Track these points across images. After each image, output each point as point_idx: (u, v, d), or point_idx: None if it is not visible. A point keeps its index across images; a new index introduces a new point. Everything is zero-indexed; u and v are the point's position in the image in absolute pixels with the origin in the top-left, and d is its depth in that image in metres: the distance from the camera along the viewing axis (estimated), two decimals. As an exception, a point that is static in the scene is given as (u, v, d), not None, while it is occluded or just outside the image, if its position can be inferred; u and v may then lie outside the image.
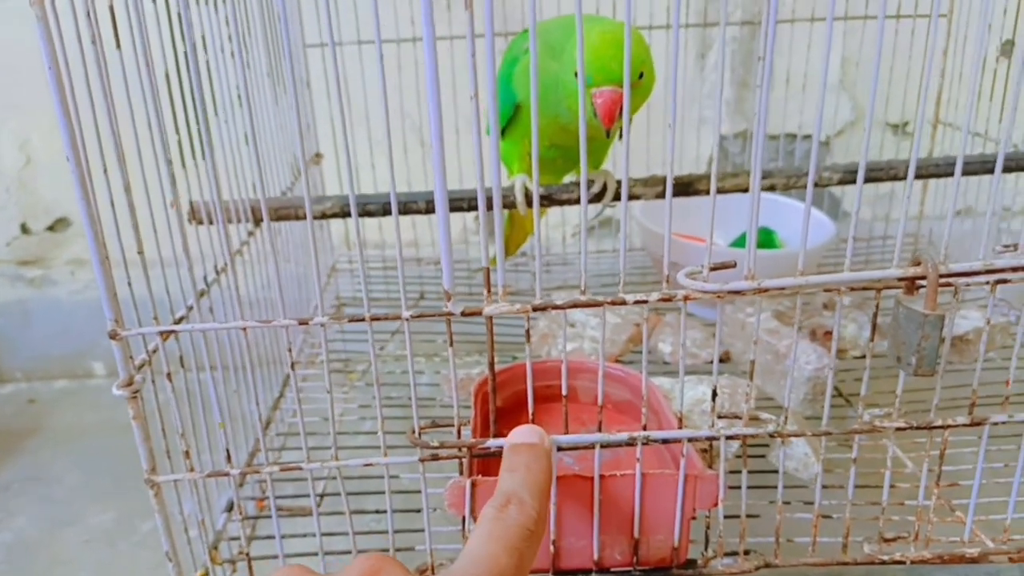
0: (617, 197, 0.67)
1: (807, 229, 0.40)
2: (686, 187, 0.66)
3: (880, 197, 1.08)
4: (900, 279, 0.40)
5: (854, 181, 0.72)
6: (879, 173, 0.69)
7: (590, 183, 0.67)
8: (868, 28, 0.97)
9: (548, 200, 0.68)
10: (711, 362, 0.80)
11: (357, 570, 0.30)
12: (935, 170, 0.63)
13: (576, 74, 0.54)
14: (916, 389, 0.55)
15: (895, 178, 0.68)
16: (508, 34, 0.93)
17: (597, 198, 0.68)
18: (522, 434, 0.40)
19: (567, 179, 0.74)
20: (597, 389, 0.64)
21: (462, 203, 0.64)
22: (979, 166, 0.61)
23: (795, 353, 0.45)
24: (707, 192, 0.68)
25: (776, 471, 0.58)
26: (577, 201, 0.67)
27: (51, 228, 1.11)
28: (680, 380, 0.45)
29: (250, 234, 0.67)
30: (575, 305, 0.40)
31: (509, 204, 0.68)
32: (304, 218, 0.66)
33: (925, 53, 0.96)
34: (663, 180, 0.68)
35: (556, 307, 0.40)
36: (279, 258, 0.77)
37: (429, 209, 0.66)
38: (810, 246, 0.83)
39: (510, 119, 0.68)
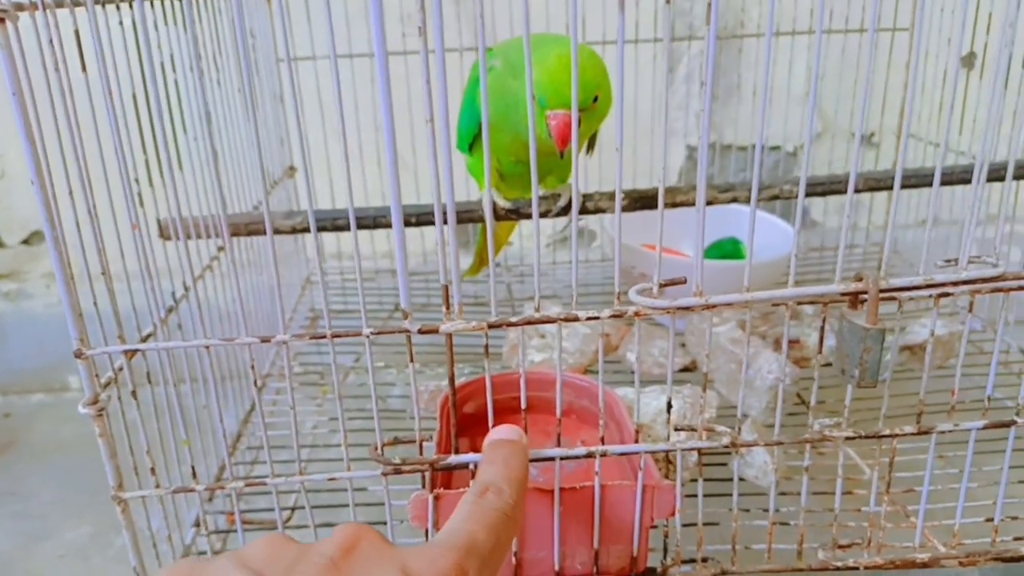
0: (584, 211, 0.69)
1: (752, 246, 0.42)
2: (650, 201, 0.68)
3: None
4: (843, 294, 0.41)
5: (817, 194, 0.74)
6: (838, 186, 0.71)
7: (557, 196, 0.68)
8: (833, 41, 0.99)
9: (516, 214, 0.70)
10: (678, 371, 0.81)
11: (337, 539, 0.31)
12: (882, 184, 0.65)
13: (534, 96, 0.56)
14: (876, 396, 0.57)
15: (855, 190, 0.70)
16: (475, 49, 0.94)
17: (564, 211, 0.69)
18: (502, 432, 0.42)
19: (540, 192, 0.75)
20: (569, 400, 0.65)
21: (431, 217, 0.66)
22: (923, 179, 0.63)
23: (746, 363, 0.46)
24: (670, 206, 0.69)
25: (741, 479, 0.59)
26: (544, 214, 0.68)
27: (26, 242, 1.11)
28: (636, 392, 0.47)
29: (220, 249, 0.68)
30: (529, 322, 0.41)
31: (479, 218, 0.69)
32: (276, 232, 0.67)
33: (889, 65, 0.99)
34: (630, 194, 0.69)
35: (511, 324, 0.41)
36: (248, 272, 0.77)
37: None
38: (775, 256, 0.85)
39: (476, 136, 0.69)
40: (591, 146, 0.73)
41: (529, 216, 0.68)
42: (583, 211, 0.68)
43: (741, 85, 1.03)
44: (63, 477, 0.93)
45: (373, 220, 0.67)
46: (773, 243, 0.88)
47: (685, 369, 0.80)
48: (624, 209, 0.69)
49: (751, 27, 0.99)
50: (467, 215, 0.69)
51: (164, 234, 0.60)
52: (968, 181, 0.68)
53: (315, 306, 1.01)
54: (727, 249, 0.89)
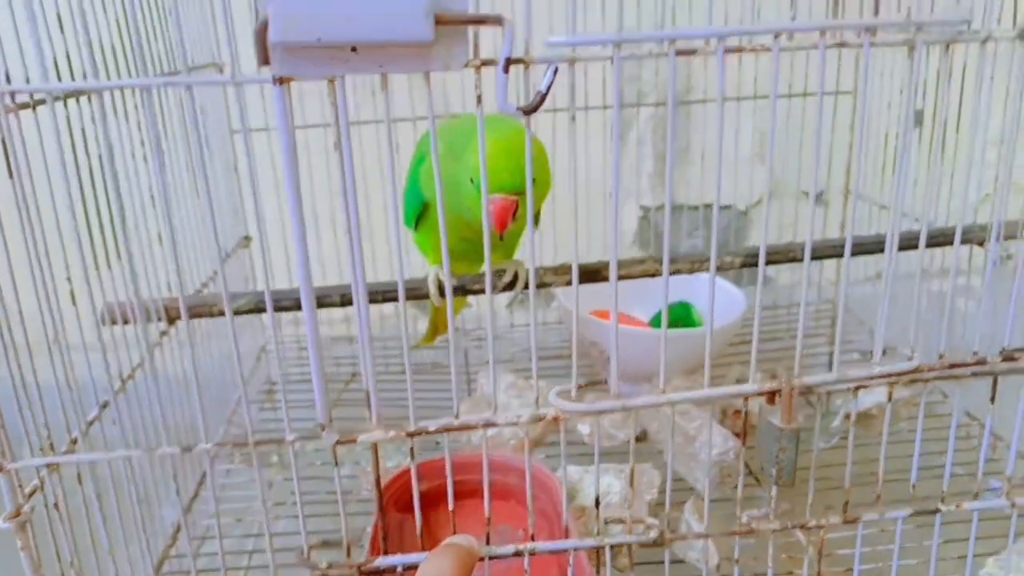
0: (528, 286, 0.69)
1: (664, 347, 0.42)
2: (594, 274, 0.68)
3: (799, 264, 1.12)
4: (759, 393, 0.42)
5: (755, 264, 0.75)
6: (778, 256, 0.72)
7: (502, 272, 0.69)
8: (779, 105, 1.01)
9: (461, 290, 0.70)
10: (628, 442, 0.81)
11: None
12: (830, 252, 0.67)
13: (472, 180, 0.57)
14: (825, 464, 0.57)
15: (793, 259, 0.71)
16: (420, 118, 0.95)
17: (510, 287, 0.70)
18: (456, 538, 0.42)
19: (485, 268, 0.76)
20: (512, 484, 0.65)
21: (377, 296, 0.66)
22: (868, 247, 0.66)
23: (672, 446, 0.46)
24: (622, 278, 0.70)
25: (680, 561, 0.59)
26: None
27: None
28: (562, 480, 0.47)
29: (163, 334, 0.67)
30: (447, 429, 0.41)
31: (423, 295, 0.70)
32: (219, 315, 0.67)
33: (833, 128, 1.01)
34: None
35: (430, 433, 0.41)
36: (202, 343, 0.77)
37: (344, 302, 0.67)
38: (722, 323, 0.86)
39: (421, 214, 0.70)
40: (535, 222, 0.74)
41: (473, 292, 0.69)
42: (527, 286, 0.69)
43: (690, 148, 1.05)
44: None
45: (318, 300, 0.67)
46: (722, 308, 0.89)
47: (636, 439, 0.80)
48: (568, 283, 0.70)
49: (698, 93, 1.01)
50: (414, 292, 0.70)
51: (104, 322, 0.59)
52: (913, 247, 0.69)
53: (271, 376, 1.00)
54: (678, 314, 0.90)
